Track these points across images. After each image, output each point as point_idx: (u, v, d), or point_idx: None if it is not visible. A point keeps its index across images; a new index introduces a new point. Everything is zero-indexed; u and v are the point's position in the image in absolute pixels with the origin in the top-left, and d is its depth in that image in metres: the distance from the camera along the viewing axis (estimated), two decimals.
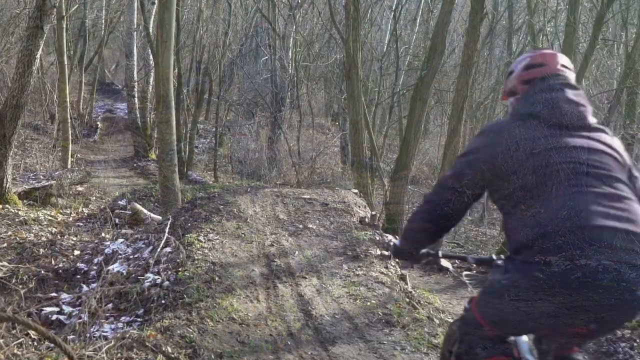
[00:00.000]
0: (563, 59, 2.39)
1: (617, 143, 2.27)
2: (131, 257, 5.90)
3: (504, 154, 2.17)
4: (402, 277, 5.34)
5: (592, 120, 2.25)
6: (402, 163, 10.37)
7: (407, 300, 4.97)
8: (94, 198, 10.91)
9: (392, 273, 5.36)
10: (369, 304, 4.87)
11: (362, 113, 10.50)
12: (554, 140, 2.15)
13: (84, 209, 9.83)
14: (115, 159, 17.76)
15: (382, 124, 22.06)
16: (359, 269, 5.34)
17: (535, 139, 2.16)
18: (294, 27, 18.34)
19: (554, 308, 1.98)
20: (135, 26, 17.38)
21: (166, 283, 5.09)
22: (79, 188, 11.04)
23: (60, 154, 14.07)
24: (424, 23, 22.07)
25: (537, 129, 2.19)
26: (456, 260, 2.92)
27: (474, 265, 2.64)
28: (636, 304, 1.95)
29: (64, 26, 12.32)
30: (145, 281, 5.20)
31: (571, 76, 2.38)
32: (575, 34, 11.51)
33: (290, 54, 18.79)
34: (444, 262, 2.59)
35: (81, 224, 8.75)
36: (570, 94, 2.27)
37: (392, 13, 16.25)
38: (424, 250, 2.52)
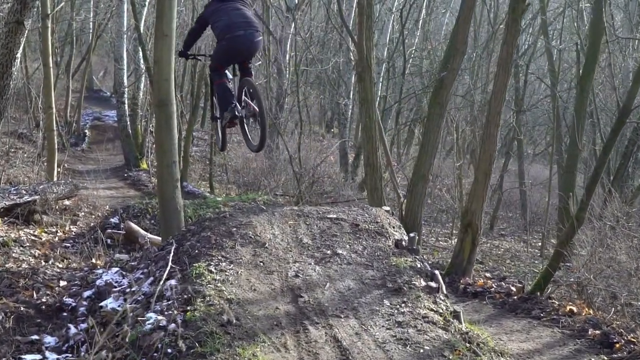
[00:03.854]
0: None
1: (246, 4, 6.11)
2: (128, 290, 4.98)
3: (211, 12, 5.87)
4: (456, 315, 4.46)
5: None
6: (419, 173, 9.53)
7: (467, 345, 4.10)
8: (83, 213, 9.97)
9: (443, 309, 4.48)
10: (421, 350, 3.99)
11: (376, 119, 9.67)
12: (226, 6, 5.80)
13: (71, 226, 8.89)
14: (105, 169, 16.84)
15: (385, 130, 21.17)
16: (403, 305, 4.45)
17: (220, 5, 5.84)
18: (292, 29, 17.47)
19: (229, 52, 5.86)
20: (125, 29, 16.53)
21: (172, 326, 4.18)
22: (66, 202, 10.09)
23: (45, 164, 13.08)
24: (422, 27, 21.36)
25: (222, 3, 5.88)
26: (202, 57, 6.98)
27: (208, 57, 6.69)
28: (255, 45, 5.90)
29: (49, 26, 11.35)
30: (147, 323, 4.29)
31: None
32: (603, 32, 10.82)
33: (287, 57, 17.94)
34: (199, 57, 6.80)
35: (68, 244, 7.84)
36: None
37: (398, 14, 15.44)
38: (190, 53, 6.31)
